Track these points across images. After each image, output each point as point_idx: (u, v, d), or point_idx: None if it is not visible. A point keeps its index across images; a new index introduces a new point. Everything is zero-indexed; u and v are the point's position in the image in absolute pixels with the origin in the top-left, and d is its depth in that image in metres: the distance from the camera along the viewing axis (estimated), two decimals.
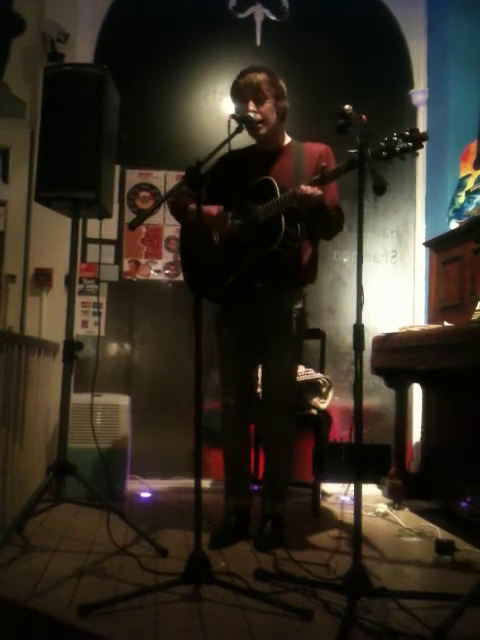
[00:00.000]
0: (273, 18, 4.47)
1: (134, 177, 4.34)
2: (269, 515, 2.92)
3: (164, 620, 2.00)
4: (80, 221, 3.00)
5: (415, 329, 3.42)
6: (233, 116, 2.80)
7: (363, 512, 2.17)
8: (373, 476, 3.82)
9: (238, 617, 2.04)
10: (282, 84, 2.93)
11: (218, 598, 2.15)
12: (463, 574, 2.51)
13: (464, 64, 4.20)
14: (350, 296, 4.19)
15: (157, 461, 4.03)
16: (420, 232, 4.45)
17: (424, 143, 2.25)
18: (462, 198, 3.84)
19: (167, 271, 4.30)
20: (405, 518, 3.36)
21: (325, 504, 3.68)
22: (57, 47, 3.99)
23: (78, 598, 2.12)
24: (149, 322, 4.29)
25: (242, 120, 2.78)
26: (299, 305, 2.97)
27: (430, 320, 3.83)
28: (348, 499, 3.67)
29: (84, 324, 4.17)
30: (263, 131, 2.90)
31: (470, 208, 3.73)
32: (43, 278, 4.02)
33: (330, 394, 3.61)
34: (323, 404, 3.56)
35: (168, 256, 4.29)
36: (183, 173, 2.37)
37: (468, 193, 3.80)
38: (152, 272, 4.31)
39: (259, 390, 3.07)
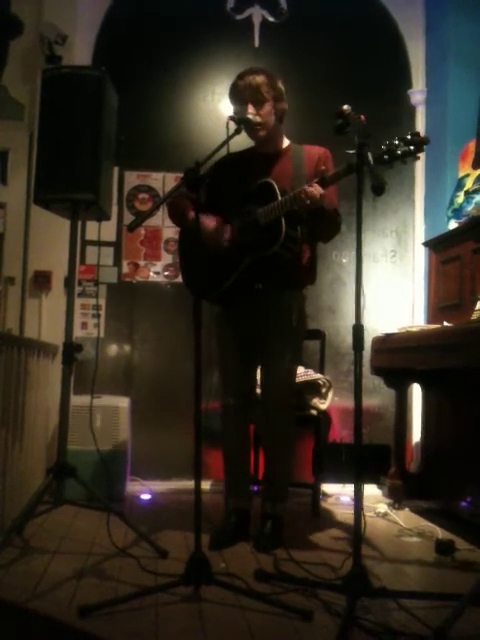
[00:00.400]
0: (271, 19, 4.48)
1: (133, 179, 4.34)
2: (269, 515, 2.92)
3: (164, 621, 2.00)
4: (79, 223, 3.00)
5: (414, 329, 3.42)
6: (232, 118, 2.80)
7: (363, 512, 2.17)
8: (373, 476, 3.82)
9: (238, 618, 2.04)
10: (281, 86, 2.93)
11: (218, 599, 2.15)
12: (463, 574, 2.51)
13: (463, 64, 4.20)
14: (350, 296, 4.20)
15: (157, 462, 4.03)
16: (419, 232, 4.45)
17: (424, 147, 2.26)
18: (461, 198, 3.84)
19: (166, 273, 4.30)
20: (405, 518, 3.36)
21: (325, 504, 3.68)
22: (55, 49, 3.99)
23: (78, 599, 2.12)
24: (148, 324, 4.29)
25: (241, 122, 2.77)
26: (299, 306, 2.97)
27: (429, 320, 3.83)
28: (348, 499, 3.69)
29: (83, 326, 4.17)
30: (262, 133, 2.90)
31: (469, 208, 3.73)
32: (42, 280, 4.02)
33: (330, 394, 3.61)
34: (323, 404, 3.56)
35: (167, 258, 4.29)
36: (182, 174, 2.37)
37: (467, 193, 3.80)
38: (151, 274, 4.31)
39: (259, 390, 3.07)
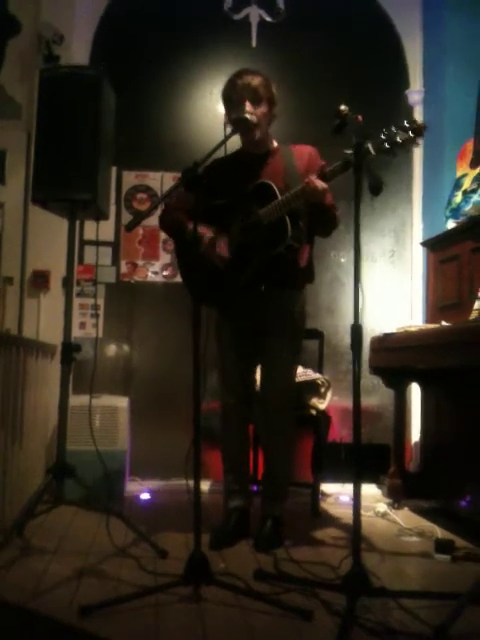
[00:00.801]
0: (268, 19, 4.47)
1: (131, 178, 4.34)
2: (269, 515, 2.92)
3: (164, 621, 2.00)
4: (77, 223, 3.00)
5: (413, 329, 3.42)
6: (229, 117, 2.80)
7: (363, 512, 2.17)
8: (372, 476, 3.82)
9: (238, 618, 2.04)
10: (275, 91, 2.94)
11: (218, 599, 2.15)
12: (463, 573, 2.51)
13: (460, 63, 4.20)
14: (348, 296, 4.18)
15: (156, 462, 4.03)
16: (417, 232, 4.45)
17: (424, 133, 2.25)
18: (459, 197, 3.84)
19: (165, 272, 4.30)
20: (404, 517, 3.36)
21: (324, 504, 3.68)
22: (53, 48, 3.99)
23: (78, 599, 2.11)
24: (147, 323, 4.29)
25: (238, 122, 2.76)
26: (299, 306, 2.97)
27: (428, 319, 3.83)
28: (347, 499, 3.69)
29: (82, 326, 4.17)
30: (258, 133, 2.90)
31: (467, 207, 3.73)
32: (40, 280, 4.02)
33: (329, 394, 3.61)
34: (322, 404, 3.56)
35: (165, 257, 4.29)
36: (180, 174, 2.37)
37: (465, 192, 3.80)
38: (149, 273, 4.31)
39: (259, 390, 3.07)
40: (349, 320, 2.19)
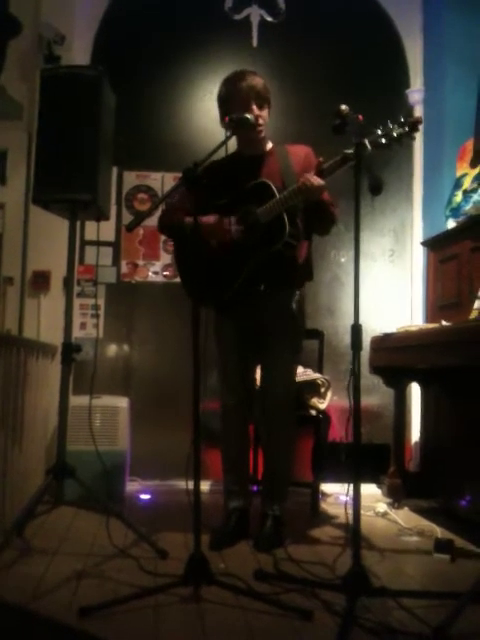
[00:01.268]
0: (269, 19, 4.47)
1: (132, 179, 4.34)
2: (269, 515, 2.92)
3: (164, 621, 2.00)
4: (78, 223, 3.00)
5: (413, 328, 3.42)
6: (231, 118, 2.79)
7: (362, 512, 2.17)
8: (372, 475, 3.82)
9: (238, 618, 2.04)
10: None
11: (218, 599, 2.15)
12: (462, 572, 2.51)
13: (460, 63, 4.20)
14: (348, 296, 4.20)
15: (156, 462, 4.03)
16: (417, 231, 4.45)
17: (420, 127, 2.27)
18: (459, 197, 3.84)
19: (165, 273, 4.30)
20: (404, 517, 3.36)
21: (324, 504, 3.68)
22: (54, 49, 3.99)
23: (78, 600, 2.11)
24: (147, 324, 4.29)
25: (241, 122, 2.75)
26: (298, 304, 2.97)
27: (428, 319, 3.83)
28: (348, 499, 3.68)
29: (82, 326, 4.17)
30: (262, 134, 2.92)
31: (467, 207, 3.73)
32: (41, 280, 4.02)
33: (329, 394, 3.62)
34: (322, 404, 3.56)
35: (166, 258, 4.29)
36: (181, 174, 2.37)
37: (465, 192, 3.80)
38: (150, 274, 4.31)
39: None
40: (349, 320, 2.19)
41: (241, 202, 2.85)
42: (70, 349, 2.86)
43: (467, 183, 3.81)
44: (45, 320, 4.00)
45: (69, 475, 2.79)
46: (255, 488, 3.32)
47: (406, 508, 3.56)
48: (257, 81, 2.87)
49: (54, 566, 2.49)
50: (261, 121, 2.86)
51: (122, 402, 3.86)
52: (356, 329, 2.16)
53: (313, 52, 4.44)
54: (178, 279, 3.09)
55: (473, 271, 3.34)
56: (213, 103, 2.98)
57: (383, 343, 3.58)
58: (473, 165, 3.80)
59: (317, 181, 2.64)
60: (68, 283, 3.00)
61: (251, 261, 2.82)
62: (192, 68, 4.39)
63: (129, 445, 3.84)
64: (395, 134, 2.24)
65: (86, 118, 2.82)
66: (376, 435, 3.93)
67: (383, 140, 2.24)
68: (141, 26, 4.37)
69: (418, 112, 4.49)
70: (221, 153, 2.69)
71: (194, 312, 2.29)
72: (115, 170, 4.00)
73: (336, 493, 3.87)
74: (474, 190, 3.72)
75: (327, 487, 3.86)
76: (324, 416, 3.58)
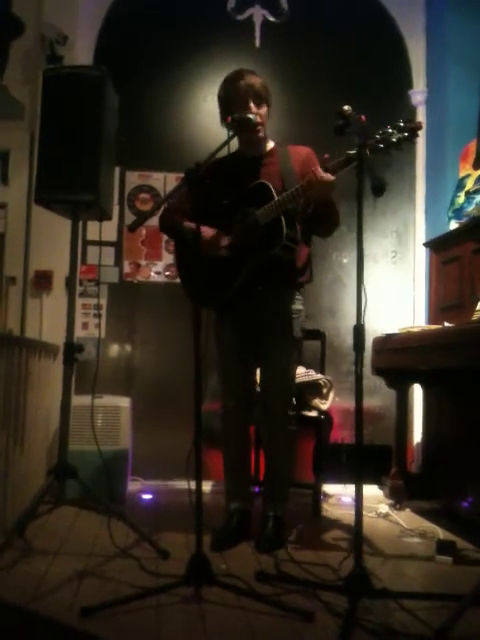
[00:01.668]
0: (272, 19, 4.48)
1: (134, 179, 4.34)
2: (270, 516, 2.92)
3: (165, 622, 2.00)
4: (80, 223, 3.01)
5: (415, 330, 3.42)
6: (233, 118, 2.79)
7: (364, 513, 2.17)
8: (374, 477, 3.81)
9: (239, 619, 2.04)
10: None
11: (219, 600, 2.15)
12: (464, 574, 2.50)
13: (463, 64, 4.20)
14: (350, 297, 4.19)
15: (158, 463, 4.03)
16: (420, 232, 4.45)
17: (419, 132, 2.26)
18: (462, 198, 3.84)
19: (167, 273, 4.30)
20: (406, 518, 3.36)
21: (326, 505, 3.67)
22: (56, 49, 3.99)
23: (80, 600, 2.11)
24: (149, 324, 4.29)
25: (242, 122, 2.75)
26: (297, 306, 2.97)
27: (430, 320, 3.82)
28: (349, 500, 3.68)
29: (84, 326, 4.17)
30: (262, 133, 2.91)
31: (470, 208, 3.72)
32: (43, 280, 4.02)
33: (331, 395, 3.61)
34: (324, 405, 3.56)
35: (168, 258, 4.29)
36: (183, 174, 2.37)
37: (468, 193, 3.80)
38: (152, 274, 4.31)
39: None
40: (351, 321, 2.19)
41: (242, 203, 2.85)
42: (72, 349, 2.86)
43: (470, 184, 3.81)
44: (47, 320, 4.00)
45: (71, 475, 2.79)
46: (257, 489, 3.32)
47: (408, 509, 3.56)
48: (255, 80, 2.87)
49: (55, 566, 2.49)
50: (259, 119, 2.85)
51: (124, 402, 3.86)
52: (358, 330, 2.16)
53: (316, 53, 4.44)
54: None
55: (475, 272, 3.34)
56: (215, 103, 2.98)
57: (385, 344, 3.58)
58: (476, 166, 3.80)
59: (328, 176, 2.61)
60: (70, 283, 3.00)
61: (249, 263, 2.82)
62: (194, 68, 4.39)
63: (131, 445, 3.84)
64: (394, 139, 2.23)
65: (89, 118, 2.82)
66: (378, 436, 3.92)
67: (381, 145, 2.23)
68: (143, 26, 4.38)
69: (421, 113, 4.50)
70: (223, 152, 2.69)
71: (195, 313, 2.29)
72: (117, 170, 4.00)
73: (338, 494, 3.88)
74: (477, 191, 3.71)
75: (329, 488, 3.86)
76: (326, 417, 3.57)
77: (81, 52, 4.17)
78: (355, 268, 2.17)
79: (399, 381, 3.73)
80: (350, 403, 3.89)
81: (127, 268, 4.29)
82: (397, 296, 4.41)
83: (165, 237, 4.25)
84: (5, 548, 2.50)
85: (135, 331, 4.29)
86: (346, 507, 3.61)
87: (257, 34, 4.47)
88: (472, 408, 3.28)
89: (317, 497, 3.48)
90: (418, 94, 4.51)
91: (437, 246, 3.83)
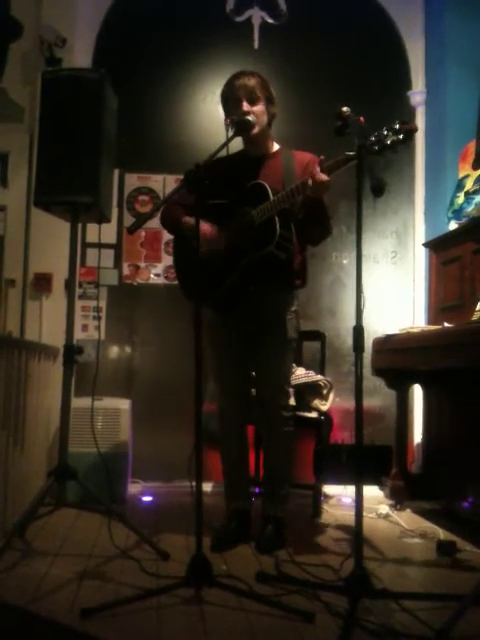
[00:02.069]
0: (271, 21, 4.48)
1: (133, 181, 4.34)
2: (270, 517, 2.92)
3: (166, 623, 2.00)
4: (79, 225, 3.01)
5: (415, 330, 3.42)
6: (232, 119, 2.81)
7: (365, 513, 2.17)
8: (374, 477, 3.81)
9: (240, 620, 2.04)
10: (273, 91, 2.95)
11: (220, 601, 2.15)
12: (465, 575, 2.51)
13: (462, 65, 4.20)
14: (350, 297, 4.19)
15: (158, 464, 4.03)
16: (419, 233, 4.45)
17: (418, 133, 2.25)
18: (461, 199, 3.84)
19: (167, 274, 4.30)
20: (407, 519, 3.36)
21: (326, 506, 3.67)
22: (55, 51, 4.00)
23: (80, 602, 2.11)
24: (149, 325, 4.29)
25: (239, 123, 2.77)
26: (292, 307, 2.97)
27: (430, 321, 3.83)
28: (349, 500, 3.68)
29: (84, 328, 4.17)
30: (256, 130, 2.89)
31: (469, 208, 3.73)
32: (43, 282, 4.02)
33: (331, 396, 3.61)
34: (324, 406, 3.56)
35: (167, 260, 4.29)
36: (182, 176, 2.37)
37: (467, 194, 3.80)
38: (152, 276, 4.31)
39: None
40: (351, 322, 2.19)
41: (239, 203, 2.85)
42: (72, 351, 2.86)
43: (469, 185, 3.81)
44: (47, 322, 4.01)
45: (71, 477, 2.79)
46: (257, 490, 3.31)
47: (408, 510, 3.55)
48: (250, 80, 2.87)
49: (56, 567, 2.49)
50: (252, 117, 2.84)
51: (124, 404, 3.86)
52: (358, 331, 2.16)
53: (314, 54, 4.44)
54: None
55: (475, 273, 3.34)
56: (214, 105, 3.00)
57: (385, 345, 3.58)
58: (475, 167, 3.80)
59: (323, 176, 2.61)
60: (70, 285, 3.00)
61: (243, 261, 2.82)
62: (193, 70, 4.39)
63: (131, 447, 3.84)
64: (388, 142, 2.23)
65: (87, 120, 2.83)
66: (378, 437, 3.92)
67: (376, 147, 2.23)
68: (142, 28, 4.38)
69: (420, 114, 4.50)
70: (223, 153, 2.69)
71: (195, 314, 2.29)
72: (116, 172, 4.00)
73: (338, 495, 3.88)
74: (476, 191, 3.71)
75: (329, 489, 3.86)
76: (326, 418, 3.57)
77: (80, 54, 4.17)
78: (355, 268, 2.17)
79: (399, 381, 3.73)
80: (350, 404, 3.90)
81: (126, 270, 4.29)
82: (397, 296, 4.41)
83: (165, 239, 4.25)
84: (5, 549, 2.50)
85: (135, 333, 4.29)
86: (346, 508, 3.61)
87: (256, 35, 4.47)
88: (472, 408, 3.28)
89: (317, 498, 3.48)
90: (417, 95, 4.51)
91: (437, 246, 3.84)
